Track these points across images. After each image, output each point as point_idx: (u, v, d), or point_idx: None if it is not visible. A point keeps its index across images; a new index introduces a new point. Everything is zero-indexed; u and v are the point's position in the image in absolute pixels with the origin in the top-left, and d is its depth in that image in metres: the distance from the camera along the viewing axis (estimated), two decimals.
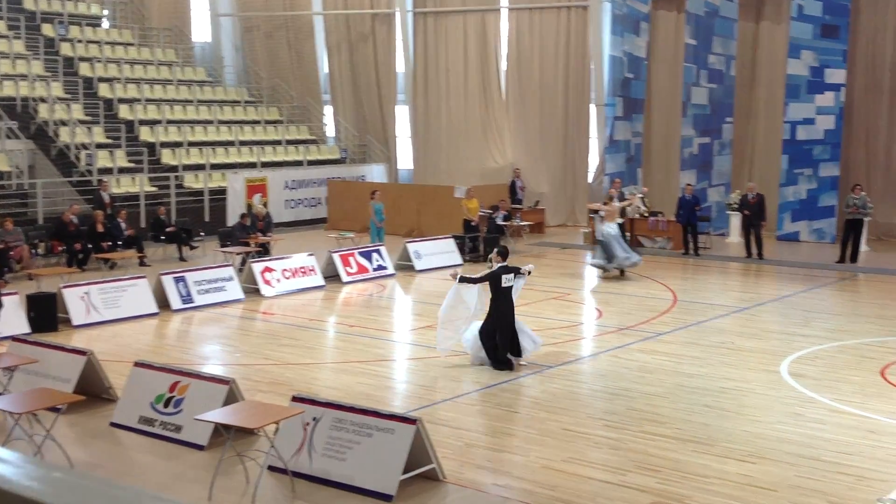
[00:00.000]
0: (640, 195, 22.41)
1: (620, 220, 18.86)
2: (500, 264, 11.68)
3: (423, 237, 21.25)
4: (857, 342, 13.12)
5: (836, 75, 22.92)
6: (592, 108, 27.55)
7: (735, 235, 22.87)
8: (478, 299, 11.89)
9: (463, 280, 11.81)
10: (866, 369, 11.63)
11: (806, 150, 23.29)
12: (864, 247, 20.86)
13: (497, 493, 7.75)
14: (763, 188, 22.30)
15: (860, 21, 23.72)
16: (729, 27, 25.20)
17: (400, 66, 29.71)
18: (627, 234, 21.59)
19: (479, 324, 11.73)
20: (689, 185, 22.39)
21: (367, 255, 18.84)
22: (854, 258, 19.96)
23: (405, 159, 29.99)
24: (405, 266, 19.42)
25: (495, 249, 12.05)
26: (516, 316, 11.76)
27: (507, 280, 11.58)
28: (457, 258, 20.22)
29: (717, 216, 24.36)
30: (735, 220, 22.93)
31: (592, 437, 9.09)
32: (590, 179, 27.78)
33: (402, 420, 7.86)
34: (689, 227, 21.34)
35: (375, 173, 29.16)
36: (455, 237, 20.82)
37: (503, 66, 28.31)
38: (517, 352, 11.66)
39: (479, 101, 28.18)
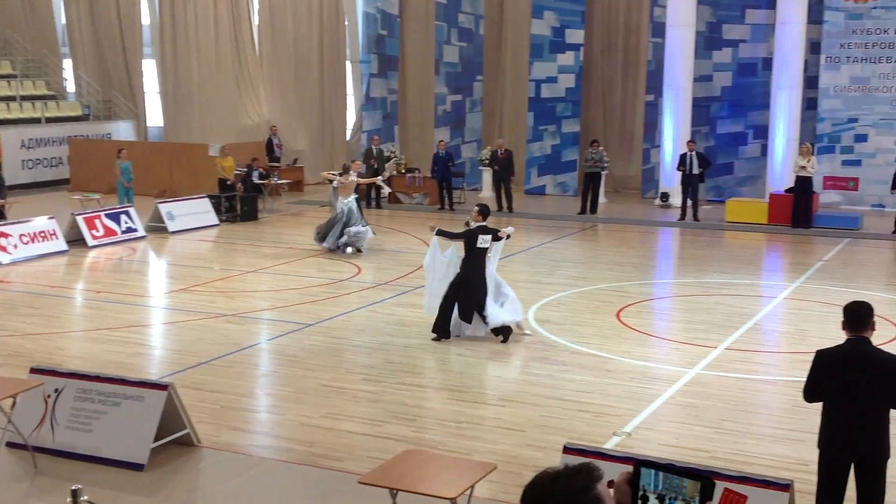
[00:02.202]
0: (391, 162, 22.62)
1: (355, 196, 17.04)
2: (478, 223, 11.08)
3: (176, 197, 20.49)
4: (596, 288, 14.03)
5: (575, 35, 24.15)
6: (348, 65, 27.53)
7: (487, 190, 23.72)
8: (451, 259, 11.36)
9: (440, 233, 11.31)
10: (604, 313, 12.48)
11: (550, 108, 24.47)
12: (602, 199, 22.28)
13: (254, 454, 7.70)
14: (512, 144, 23.26)
15: None
16: None
17: (145, 17, 28.27)
18: (377, 197, 21.89)
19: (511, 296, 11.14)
20: (442, 141, 22.94)
21: (114, 217, 17.94)
22: (594, 209, 21.30)
23: (154, 116, 28.65)
24: (157, 228, 18.67)
25: (476, 207, 11.37)
26: (504, 281, 11.30)
27: (482, 241, 10.98)
28: (213, 218, 19.69)
29: (470, 172, 25.14)
30: (487, 176, 23.77)
31: (351, 392, 9.21)
32: (348, 137, 27.83)
33: (153, 386, 7.61)
34: (444, 182, 21.89)
35: (122, 131, 27.71)
36: (210, 197, 20.23)
37: (255, 20, 27.63)
38: (476, 318, 11.03)
39: (231, 57, 27.34)
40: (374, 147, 22.36)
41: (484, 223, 11.11)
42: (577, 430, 8.16)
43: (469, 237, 11.02)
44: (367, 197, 22.22)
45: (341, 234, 16.53)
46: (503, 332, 10.86)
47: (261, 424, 8.48)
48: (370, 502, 6.29)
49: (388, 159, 23.12)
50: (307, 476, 7.28)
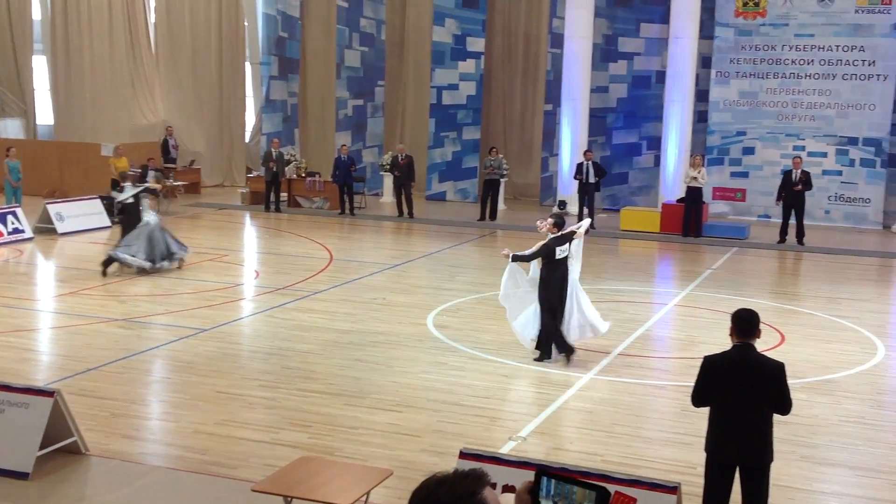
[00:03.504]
0: (291, 166, 22.42)
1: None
2: (553, 235, 10.36)
3: (67, 198, 19.86)
4: (494, 293, 14.08)
5: (476, 44, 24.38)
6: (248, 66, 27.16)
7: (388, 195, 23.72)
8: (526, 288, 10.64)
9: (516, 258, 10.46)
10: (502, 318, 12.50)
11: (451, 115, 24.63)
12: (501, 205, 22.54)
13: (145, 462, 7.51)
14: (413, 150, 23.32)
15: None
16: None
17: (36, 12, 27.31)
18: (276, 201, 21.62)
19: (533, 309, 10.58)
20: (344, 145, 22.83)
21: (1, 218, 17.28)
22: (493, 216, 21.52)
23: (45, 114, 27.69)
24: (46, 229, 18.07)
25: (550, 219, 10.55)
26: (583, 295, 10.69)
27: (560, 252, 10.31)
28: (104, 220, 19.15)
29: (371, 177, 25.11)
30: (388, 181, 23.77)
31: (246, 398, 9.07)
32: (247, 139, 27.45)
33: (38, 393, 7.35)
34: (345, 187, 21.80)
35: (10, 129, 26.69)
36: (102, 198, 19.66)
37: (151, 17, 27.00)
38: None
39: (126, 54, 26.64)
40: (273, 150, 22.11)
41: (560, 233, 10.44)
42: (474, 435, 8.22)
43: (547, 252, 10.37)
44: (267, 200, 21.96)
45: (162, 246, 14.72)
46: (565, 350, 10.46)
47: (152, 432, 8.28)
48: None
49: (288, 163, 22.92)
50: (199, 484, 7.14)
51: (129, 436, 8.07)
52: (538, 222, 10.78)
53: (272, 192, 22.01)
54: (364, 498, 5.77)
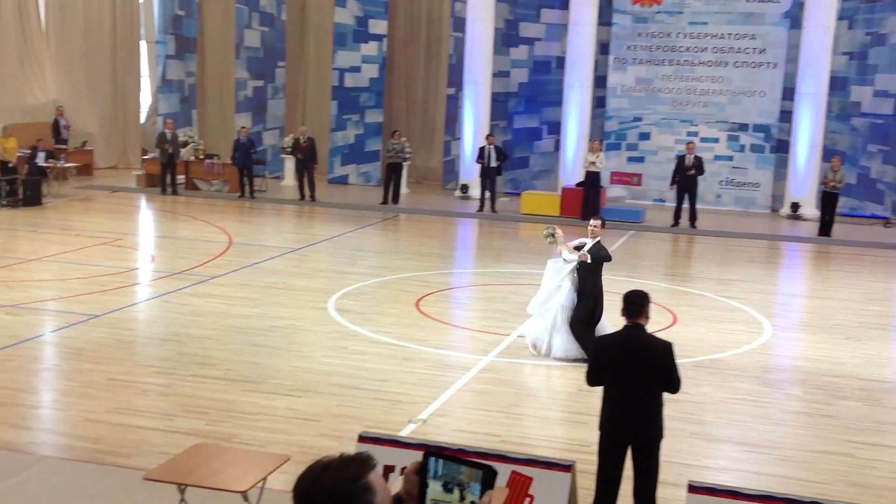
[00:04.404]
0: (189, 148, 21.92)
1: None
2: (596, 238, 9.93)
3: None
4: (396, 277, 14.18)
5: (379, 26, 24.25)
6: (143, 45, 26.43)
7: (289, 178, 23.45)
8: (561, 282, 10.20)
9: (599, 259, 9.88)
10: (404, 302, 12.64)
11: (353, 97, 24.46)
12: (404, 189, 22.53)
13: (33, 452, 7.29)
14: (315, 133, 23.09)
15: None
16: None
17: None
18: (173, 184, 21.16)
19: (553, 314, 10.12)
20: (244, 127, 22.46)
21: None
22: (395, 200, 21.50)
23: None
24: None
25: (599, 220, 10.16)
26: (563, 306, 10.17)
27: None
28: None
29: (272, 159, 24.78)
30: (289, 164, 23.50)
31: (140, 385, 8.88)
32: (142, 120, 26.74)
33: None
34: (245, 169, 21.45)
35: None
36: None
37: None
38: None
39: (14, 30, 25.55)
40: (167, 131, 21.58)
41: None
42: (374, 418, 8.22)
43: (607, 254, 10.11)
44: (163, 183, 21.46)
45: None
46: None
47: (41, 421, 8.03)
48: (158, 500, 6.10)
49: (185, 144, 22.44)
50: (90, 474, 6.96)
51: (17, 425, 7.81)
52: (592, 223, 10.19)
53: (168, 174, 21.50)
54: (260, 484, 5.72)
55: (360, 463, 2.25)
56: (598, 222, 10.13)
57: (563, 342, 10.08)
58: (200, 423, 7.94)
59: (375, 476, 2.25)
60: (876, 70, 21.63)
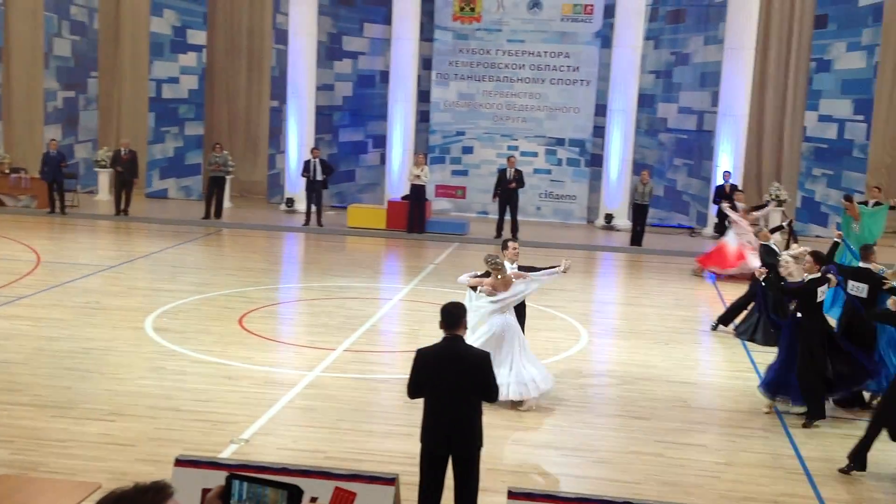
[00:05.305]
0: None
1: None
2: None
3: None
4: (219, 294, 13.85)
5: (197, 36, 23.67)
6: None
7: (105, 193, 22.50)
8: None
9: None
10: (227, 319, 12.35)
11: (172, 109, 23.75)
12: (227, 203, 22.05)
13: None
14: (132, 145, 22.24)
15: None
16: None
17: None
18: None
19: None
20: (53, 140, 21.39)
21: None
22: (218, 214, 20.99)
23: None
24: None
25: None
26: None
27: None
28: None
29: (85, 173, 23.70)
30: (104, 177, 22.55)
31: None
32: None
33: None
34: (55, 184, 20.43)
35: None
36: None
37: None
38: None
39: None
40: None
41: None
42: (194, 440, 7.99)
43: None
44: None
45: None
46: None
47: None
48: None
49: None
50: None
51: None
52: (513, 245, 9.67)
53: None
54: None
55: (157, 492, 2.17)
56: (517, 243, 9.78)
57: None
58: (5, 452, 7.47)
59: None
60: (680, 88, 22.93)
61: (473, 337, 8.89)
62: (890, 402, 8.02)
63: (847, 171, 21.64)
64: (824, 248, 10.40)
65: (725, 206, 17.02)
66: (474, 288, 9.29)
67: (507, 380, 8.91)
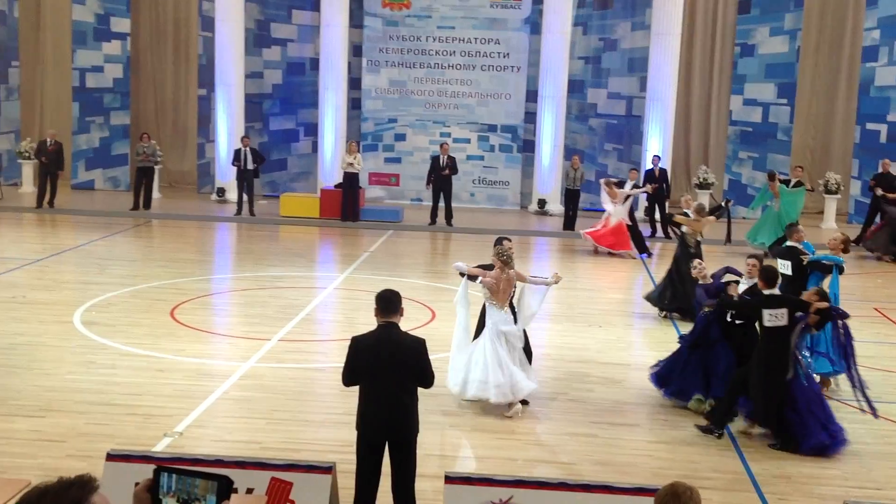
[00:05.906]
0: None
1: None
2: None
3: None
4: (150, 286, 13.62)
5: (121, 24, 23.17)
6: None
7: (29, 185, 21.94)
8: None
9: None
10: (158, 311, 12.17)
11: (97, 98, 23.24)
12: (156, 194, 21.68)
13: None
14: (57, 136, 21.71)
15: None
16: None
17: None
18: None
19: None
20: None
21: None
22: (147, 205, 20.62)
23: None
24: None
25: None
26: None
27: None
28: None
29: (8, 165, 23.08)
30: (27, 169, 21.99)
31: None
32: None
33: None
34: None
35: None
36: None
37: None
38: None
39: None
40: None
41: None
42: (126, 434, 7.86)
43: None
44: None
45: None
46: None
47: None
48: None
49: None
50: None
51: None
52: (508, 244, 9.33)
53: None
54: None
55: (81, 486, 2.14)
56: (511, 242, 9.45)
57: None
58: None
59: (99, 498, 2.14)
60: (609, 73, 23.18)
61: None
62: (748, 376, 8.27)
63: (772, 154, 22.15)
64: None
65: (602, 182, 18.13)
66: (472, 278, 9.18)
67: (503, 380, 8.72)
